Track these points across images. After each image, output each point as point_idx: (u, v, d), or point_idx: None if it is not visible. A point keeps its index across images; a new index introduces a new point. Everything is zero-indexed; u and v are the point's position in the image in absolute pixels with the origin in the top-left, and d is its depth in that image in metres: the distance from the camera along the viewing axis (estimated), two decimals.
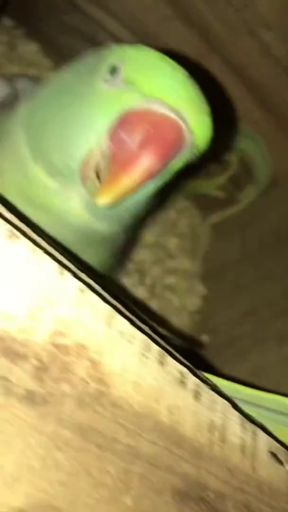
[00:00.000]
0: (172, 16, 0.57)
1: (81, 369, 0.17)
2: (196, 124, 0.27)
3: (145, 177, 0.26)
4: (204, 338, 0.58)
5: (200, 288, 0.64)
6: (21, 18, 0.62)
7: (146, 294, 0.60)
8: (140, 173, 0.26)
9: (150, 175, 0.26)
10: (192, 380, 0.21)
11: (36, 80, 0.60)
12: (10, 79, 0.57)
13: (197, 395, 0.20)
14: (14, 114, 0.35)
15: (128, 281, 0.59)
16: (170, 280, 0.64)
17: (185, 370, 0.21)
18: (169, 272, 0.64)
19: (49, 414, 0.15)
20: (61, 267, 0.18)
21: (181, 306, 0.62)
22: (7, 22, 0.62)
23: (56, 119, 0.31)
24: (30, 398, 0.15)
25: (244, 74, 0.59)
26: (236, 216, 0.70)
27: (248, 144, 0.63)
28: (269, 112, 0.61)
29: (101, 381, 0.17)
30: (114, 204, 0.27)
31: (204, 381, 0.22)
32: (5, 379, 0.15)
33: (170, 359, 0.20)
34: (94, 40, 0.60)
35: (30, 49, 0.62)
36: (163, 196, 0.37)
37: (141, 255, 0.62)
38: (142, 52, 0.29)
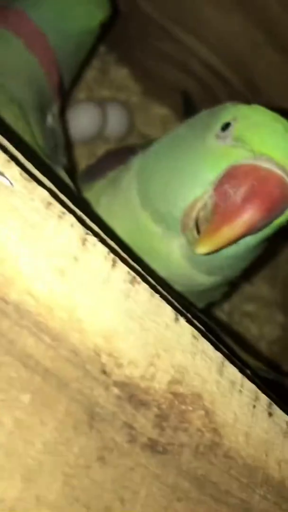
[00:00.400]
0: (264, 42, 0.57)
1: (196, 418, 0.17)
2: None
3: (246, 230, 0.27)
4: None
5: (280, 317, 0.63)
6: (113, 44, 0.64)
7: (224, 321, 0.59)
8: (241, 225, 0.26)
9: (252, 228, 0.27)
10: None
11: (125, 104, 0.62)
12: (100, 103, 0.59)
13: None
14: (129, 168, 0.37)
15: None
16: (249, 307, 0.63)
17: None
18: (248, 299, 0.63)
19: (169, 463, 0.16)
20: (176, 313, 0.19)
21: (259, 335, 0.61)
22: (100, 48, 0.64)
23: (167, 169, 0.32)
24: (152, 446, 0.15)
25: None
26: None
27: None
28: None
29: (215, 431, 0.17)
30: (211, 253, 0.28)
31: None
32: (130, 426, 0.15)
33: (277, 409, 0.20)
34: (184, 66, 0.61)
35: (121, 74, 0.63)
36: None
37: None
38: (254, 111, 0.30)
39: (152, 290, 0.19)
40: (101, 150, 0.59)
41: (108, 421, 0.15)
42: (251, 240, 0.29)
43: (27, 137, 0.37)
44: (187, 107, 0.59)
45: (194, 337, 0.19)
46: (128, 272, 0.18)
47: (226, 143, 0.29)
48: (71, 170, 0.47)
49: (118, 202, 0.35)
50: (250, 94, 0.61)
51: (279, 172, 0.27)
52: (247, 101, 0.62)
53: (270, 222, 0.28)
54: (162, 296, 0.19)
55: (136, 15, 0.60)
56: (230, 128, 0.29)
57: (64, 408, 0.14)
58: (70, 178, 0.40)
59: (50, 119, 0.44)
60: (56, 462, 0.13)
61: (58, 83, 0.44)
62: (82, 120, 0.58)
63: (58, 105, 0.46)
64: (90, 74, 0.62)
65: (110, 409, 0.15)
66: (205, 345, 0.19)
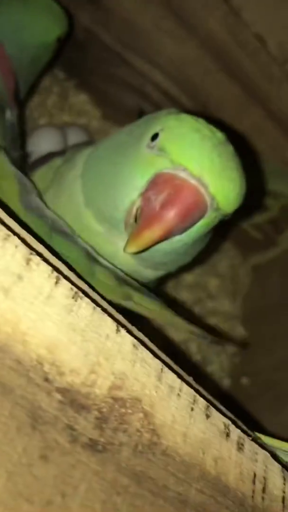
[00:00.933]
0: (216, 69, 0.60)
1: (135, 420, 0.19)
2: (217, 190, 0.30)
3: (164, 234, 0.29)
4: (244, 381, 0.59)
5: (240, 330, 0.65)
6: (72, 71, 0.66)
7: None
8: (159, 230, 0.29)
9: (169, 232, 0.29)
10: (235, 431, 0.22)
11: (85, 128, 0.64)
12: (61, 128, 0.61)
13: (240, 446, 0.22)
14: (74, 165, 0.39)
15: None
16: (211, 321, 0.65)
17: (228, 422, 0.22)
18: (210, 313, 0.65)
19: (109, 461, 0.17)
20: (118, 324, 0.20)
21: (221, 348, 0.63)
22: (60, 74, 0.66)
23: (107, 172, 0.35)
24: (92, 446, 0.17)
25: (284, 123, 0.61)
26: (277, 259, 0.70)
27: None
28: None
29: (153, 432, 0.19)
30: (138, 253, 0.31)
31: (246, 432, 0.23)
32: (72, 428, 0.17)
33: (214, 411, 0.22)
34: (141, 91, 0.64)
35: (80, 99, 0.66)
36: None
37: (182, 295, 0.64)
38: (180, 122, 0.32)
39: (94, 304, 0.20)
40: None
41: (50, 424, 0.16)
42: (183, 238, 0.32)
43: None
44: None
45: (134, 346, 0.20)
46: (71, 288, 0.20)
47: (153, 152, 0.31)
48: (25, 157, 0.50)
49: (63, 199, 0.37)
50: (204, 117, 0.64)
51: (193, 182, 0.29)
52: None
53: (189, 226, 0.31)
54: (103, 309, 0.21)
55: (94, 43, 0.62)
56: (158, 138, 0.31)
57: (8, 411, 0.15)
58: (24, 165, 0.44)
59: (8, 114, 0.46)
60: (0, 460, 0.15)
61: (13, 89, 0.46)
62: (43, 145, 0.59)
63: (14, 109, 0.48)
64: (50, 100, 0.64)
65: (52, 413, 0.17)
66: (145, 353, 0.21)
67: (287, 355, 0.56)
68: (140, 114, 0.62)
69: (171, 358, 0.54)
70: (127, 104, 0.65)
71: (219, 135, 0.32)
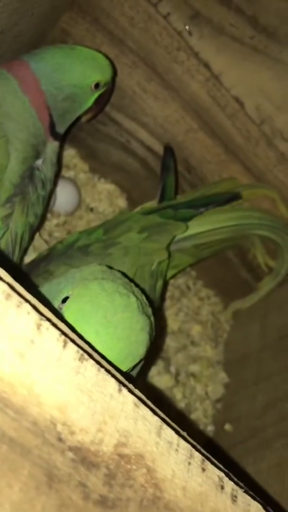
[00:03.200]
0: (198, 128, 0.64)
1: (140, 476, 0.20)
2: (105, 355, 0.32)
3: None
4: (227, 427, 0.60)
5: (223, 376, 0.67)
6: None
7: (172, 382, 0.62)
8: None
9: None
10: (229, 484, 0.23)
11: (73, 181, 0.67)
12: None
13: (234, 498, 0.23)
14: None
15: (153, 370, 0.62)
16: (194, 367, 0.66)
17: (222, 474, 0.24)
18: (193, 360, 0.67)
19: None
20: (120, 384, 0.22)
21: (204, 394, 0.64)
22: None
23: None
24: (103, 502, 0.18)
25: (263, 178, 0.65)
26: (256, 305, 0.73)
27: (285, 242, 0.67)
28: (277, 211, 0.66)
29: (156, 486, 0.20)
30: None
31: (238, 483, 0.25)
32: (84, 485, 0.18)
33: (209, 465, 0.23)
34: (126, 147, 0.67)
35: (69, 153, 0.69)
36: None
37: (166, 342, 0.66)
38: (86, 292, 0.35)
39: (98, 366, 0.22)
40: (51, 223, 0.63)
41: (65, 482, 0.18)
42: None
43: None
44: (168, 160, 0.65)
45: (135, 404, 0.22)
46: (77, 351, 0.22)
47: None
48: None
49: None
50: (187, 172, 0.68)
51: None
52: (184, 178, 0.68)
53: None
54: (106, 370, 0.22)
55: None
56: (66, 302, 0.35)
57: (27, 471, 0.17)
58: None
59: (40, 162, 0.51)
60: None
61: (48, 122, 0.51)
62: None
63: (53, 144, 0.52)
64: None
65: (66, 471, 0.18)
66: (145, 411, 0.22)
67: (268, 400, 0.58)
68: (166, 149, 0.65)
69: (156, 405, 0.56)
70: (113, 159, 0.68)
71: (120, 301, 0.35)
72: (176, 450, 0.22)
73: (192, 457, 0.23)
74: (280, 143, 0.63)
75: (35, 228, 0.52)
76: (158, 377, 0.62)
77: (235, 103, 0.62)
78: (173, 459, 0.22)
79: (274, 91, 0.60)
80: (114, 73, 0.55)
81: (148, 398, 0.25)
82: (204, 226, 0.59)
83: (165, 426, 0.23)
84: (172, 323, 0.68)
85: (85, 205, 0.68)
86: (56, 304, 0.36)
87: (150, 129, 0.65)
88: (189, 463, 0.23)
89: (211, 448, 0.61)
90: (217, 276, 0.75)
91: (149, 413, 0.22)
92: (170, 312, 0.69)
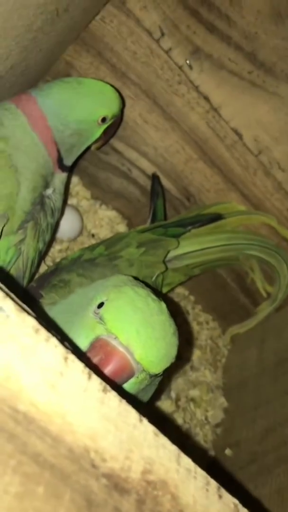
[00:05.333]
0: (197, 158, 0.66)
1: (166, 501, 0.21)
2: (142, 357, 0.36)
3: None
4: (228, 452, 0.61)
5: (222, 401, 0.68)
6: None
7: (172, 407, 0.63)
8: None
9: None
10: (243, 511, 0.24)
11: (76, 208, 0.68)
12: None
13: None
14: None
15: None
16: (194, 392, 0.67)
17: (236, 501, 0.25)
18: (193, 385, 0.68)
19: None
20: (140, 414, 0.23)
21: (204, 419, 0.65)
22: None
23: (65, 326, 0.40)
24: None
25: (261, 207, 0.67)
26: (254, 330, 0.74)
27: (282, 267, 0.69)
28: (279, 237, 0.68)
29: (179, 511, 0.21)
30: None
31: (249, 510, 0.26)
32: (119, 509, 0.19)
33: (224, 492, 0.24)
34: (127, 175, 0.69)
35: (72, 181, 0.70)
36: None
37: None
38: (119, 295, 0.37)
39: (120, 397, 0.23)
40: (54, 249, 0.65)
41: (101, 506, 0.19)
42: (130, 387, 0.37)
43: (7, 200, 0.45)
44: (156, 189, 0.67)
45: (155, 434, 0.23)
46: (100, 383, 0.23)
47: (96, 319, 0.37)
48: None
49: None
50: (186, 200, 0.69)
51: (121, 349, 0.35)
52: (184, 206, 0.70)
53: (121, 383, 0.36)
54: (128, 401, 0.24)
55: None
56: (102, 307, 0.37)
57: (69, 496, 0.18)
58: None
59: (50, 191, 0.52)
60: None
61: (57, 156, 0.52)
62: None
63: (61, 175, 0.54)
64: None
65: (102, 496, 0.19)
66: (164, 440, 0.23)
67: (267, 424, 0.59)
68: (154, 176, 0.67)
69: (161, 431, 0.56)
70: (114, 186, 0.70)
71: (154, 305, 0.38)
72: (195, 477, 0.23)
73: (209, 484, 0.24)
74: (277, 172, 0.65)
75: (43, 255, 0.54)
76: (160, 402, 0.63)
77: (234, 134, 0.64)
78: (193, 486, 0.23)
79: (271, 123, 0.62)
80: (122, 105, 0.57)
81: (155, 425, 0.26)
82: (195, 245, 0.61)
83: (182, 454, 0.24)
84: None
85: (87, 231, 0.69)
86: (91, 310, 0.38)
87: (150, 158, 0.67)
88: (207, 490, 0.24)
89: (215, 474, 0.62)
90: (215, 300, 0.77)
91: (168, 442, 0.23)
92: None
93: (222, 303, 0.77)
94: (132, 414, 0.23)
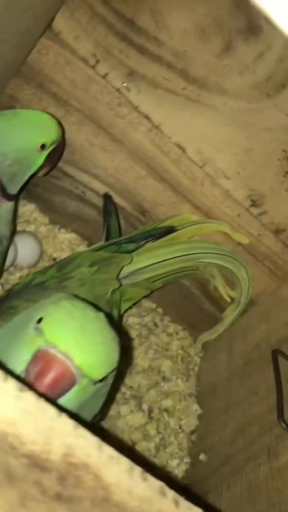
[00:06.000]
0: (146, 175, 0.68)
1: (89, 480, 0.23)
2: (81, 362, 0.37)
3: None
4: (202, 457, 0.61)
5: (196, 408, 0.69)
6: None
7: (145, 419, 0.64)
8: None
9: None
10: (170, 492, 0.26)
11: (34, 234, 0.70)
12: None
13: (176, 503, 0.25)
14: None
15: (126, 409, 0.64)
16: (167, 402, 0.68)
17: (162, 484, 0.26)
18: (165, 395, 0.69)
19: (74, 509, 0.21)
20: (59, 411, 0.25)
21: (178, 428, 0.66)
22: None
23: (8, 348, 0.41)
24: (59, 497, 0.21)
25: (212, 215, 0.69)
26: (222, 335, 0.76)
27: (240, 271, 0.71)
28: (235, 243, 0.71)
29: (104, 489, 0.23)
30: None
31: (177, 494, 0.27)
32: (40, 483, 0.21)
33: (150, 476, 0.26)
34: (82, 197, 0.71)
35: (28, 208, 0.72)
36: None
37: (137, 380, 0.68)
38: (57, 308, 0.39)
39: (37, 395, 0.25)
40: (14, 276, 0.66)
41: (22, 480, 0.21)
42: (66, 402, 0.38)
43: None
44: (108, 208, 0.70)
45: (75, 426, 0.25)
46: (17, 384, 0.24)
47: (36, 333, 0.38)
48: None
49: None
50: (142, 216, 0.72)
51: (60, 356, 0.37)
52: (140, 221, 0.72)
53: (62, 392, 0.37)
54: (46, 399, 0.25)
55: None
56: (41, 322, 0.39)
57: None
58: None
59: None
60: None
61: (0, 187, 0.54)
62: None
63: (7, 204, 0.56)
64: None
65: (22, 471, 0.21)
66: (84, 432, 0.25)
67: (237, 426, 0.60)
68: (105, 196, 0.70)
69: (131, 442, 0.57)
70: (70, 210, 0.72)
71: (92, 314, 0.40)
72: (118, 463, 0.25)
73: (133, 469, 0.25)
74: (223, 181, 0.67)
75: None
76: (131, 416, 0.63)
77: (177, 149, 0.66)
78: (116, 469, 0.24)
79: (211, 135, 0.65)
80: (62, 130, 0.59)
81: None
82: (151, 259, 0.63)
83: (104, 444, 0.25)
84: (142, 361, 0.70)
85: (47, 256, 0.71)
86: (31, 327, 0.39)
87: (102, 179, 0.70)
88: (131, 473, 0.25)
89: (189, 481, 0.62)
90: (183, 311, 0.78)
91: (88, 433, 0.25)
92: (139, 351, 0.72)
93: (189, 312, 0.78)
94: (50, 409, 0.24)
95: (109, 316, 0.42)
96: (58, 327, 0.38)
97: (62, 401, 0.38)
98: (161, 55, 0.61)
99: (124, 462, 0.25)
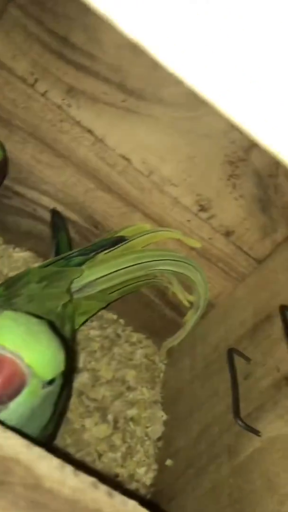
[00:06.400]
0: (95, 188, 0.69)
1: (19, 470, 0.23)
2: (31, 360, 0.38)
3: None
4: (168, 462, 0.62)
5: (161, 415, 0.69)
6: None
7: (110, 430, 0.64)
8: None
9: None
10: (102, 486, 0.26)
11: None
12: None
13: (109, 495, 0.26)
14: None
15: (90, 421, 0.64)
16: (132, 411, 0.68)
17: (95, 479, 0.26)
18: (131, 404, 0.69)
19: (6, 490, 0.22)
20: None
21: (145, 436, 0.66)
22: None
23: None
24: None
25: (163, 223, 0.71)
26: (185, 340, 0.76)
27: (196, 275, 0.72)
28: (188, 248, 0.72)
29: (36, 478, 0.24)
30: None
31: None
32: None
33: (82, 473, 0.26)
34: (33, 215, 0.72)
35: None
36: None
37: (100, 392, 0.68)
38: (1, 317, 0.41)
39: None
40: None
41: None
42: (20, 404, 0.39)
43: None
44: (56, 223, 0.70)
45: (3, 430, 0.25)
46: None
47: None
48: None
49: None
50: (94, 228, 0.72)
51: (10, 355, 0.38)
52: (94, 234, 0.72)
53: (14, 393, 0.38)
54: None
55: None
56: None
57: None
58: None
59: None
60: None
61: None
62: None
63: None
64: None
65: None
66: (10, 434, 0.25)
67: (200, 428, 0.60)
68: (52, 211, 0.70)
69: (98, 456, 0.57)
70: (23, 228, 0.73)
71: (35, 320, 0.41)
72: (48, 460, 0.25)
73: (64, 466, 0.26)
74: (170, 189, 0.69)
75: None
76: (96, 428, 0.63)
77: (122, 160, 0.68)
78: (46, 464, 0.25)
79: (154, 145, 0.66)
80: (2, 149, 0.60)
81: None
82: (103, 271, 0.63)
83: (32, 445, 0.25)
84: (106, 373, 0.71)
85: (3, 276, 0.71)
86: None
87: (51, 195, 0.70)
88: (62, 469, 0.25)
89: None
90: (144, 319, 0.79)
91: (15, 435, 0.25)
92: (102, 363, 0.72)
93: (151, 320, 0.79)
94: None
95: (52, 324, 0.42)
96: (4, 330, 0.39)
97: (13, 406, 0.38)
98: (97, 70, 0.63)
99: (55, 459, 0.26)
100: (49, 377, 0.39)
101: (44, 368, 0.39)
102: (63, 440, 0.60)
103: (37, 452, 0.25)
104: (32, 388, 0.39)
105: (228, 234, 0.71)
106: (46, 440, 0.47)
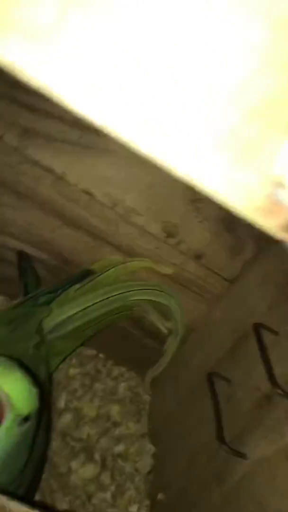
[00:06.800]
0: (61, 225, 0.69)
1: None
2: (10, 388, 0.39)
3: None
4: (160, 496, 0.60)
5: (150, 447, 0.68)
6: None
7: (97, 469, 0.62)
8: None
9: None
10: None
11: None
12: None
13: None
14: None
15: (76, 462, 0.62)
16: (120, 447, 0.67)
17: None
18: (118, 440, 0.68)
19: None
20: None
21: (134, 471, 0.64)
22: None
23: None
24: None
25: (132, 252, 0.71)
26: (167, 368, 0.76)
27: (170, 301, 0.72)
28: (161, 275, 0.72)
29: None
30: None
31: None
32: None
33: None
34: (2, 258, 0.71)
35: None
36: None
37: (85, 431, 0.66)
38: None
39: None
40: None
41: None
42: (1, 437, 0.38)
43: None
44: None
45: None
46: None
47: None
48: None
49: None
50: (64, 265, 0.72)
51: None
52: (64, 271, 0.72)
53: None
54: None
55: None
56: None
57: None
58: None
59: None
60: None
61: None
62: None
63: None
64: None
65: None
66: None
67: (189, 456, 0.59)
68: (19, 253, 0.70)
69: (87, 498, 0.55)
70: None
71: (4, 358, 0.42)
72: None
73: None
74: (136, 218, 0.69)
75: None
76: (83, 469, 0.62)
77: (85, 195, 0.68)
78: None
79: (114, 176, 0.67)
80: None
81: None
82: (74, 308, 0.63)
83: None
84: (89, 411, 0.69)
85: None
86: None
87: (18, 236, 0.70)
88: None
89: None
90: (124, 351, 0.78)
91: None
92: (84, 400, 0.71)
93: (131, 352, 0.78)
94: None
95: (21, 363, 0.42)
96: None
97: None
98: (50, 111, 0.64)
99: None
100: (25, 411, 0.39)
101: (20, 400, 0.38)
102: (48, 486, 0.58)
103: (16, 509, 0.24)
104: (8, 424, 0.38)
105: (197, 257, 0.72)
106: (25, 491, 0.46)
